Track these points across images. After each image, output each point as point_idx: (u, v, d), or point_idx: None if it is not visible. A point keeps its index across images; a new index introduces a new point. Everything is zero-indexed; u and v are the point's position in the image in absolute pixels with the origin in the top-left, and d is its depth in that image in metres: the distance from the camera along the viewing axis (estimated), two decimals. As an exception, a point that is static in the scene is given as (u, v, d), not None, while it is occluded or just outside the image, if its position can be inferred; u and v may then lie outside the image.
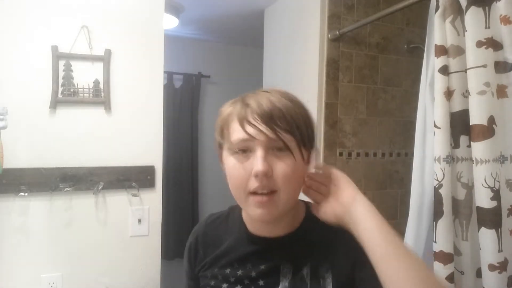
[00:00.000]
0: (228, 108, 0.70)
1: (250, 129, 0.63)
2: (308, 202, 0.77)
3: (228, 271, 0.75)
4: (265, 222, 0.72)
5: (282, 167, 0.64)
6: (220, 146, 0.72)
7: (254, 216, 0.68)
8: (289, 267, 0.71)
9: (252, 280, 0.72)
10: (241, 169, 0.65)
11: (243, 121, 0.64)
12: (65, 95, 1.43)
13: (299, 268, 0.71)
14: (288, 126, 0.64)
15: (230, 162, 0.67)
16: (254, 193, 0.65)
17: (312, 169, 0.72)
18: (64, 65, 1.42)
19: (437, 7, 1.16)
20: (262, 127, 0.63)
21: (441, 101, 1.14)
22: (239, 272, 0.74)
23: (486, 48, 1.06)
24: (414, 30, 1.98)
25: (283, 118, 0.64)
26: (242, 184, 0.65)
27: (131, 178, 1.51)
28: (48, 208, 1.42)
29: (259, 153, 0.63)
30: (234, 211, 0.81)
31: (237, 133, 0.65)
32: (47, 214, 1.42)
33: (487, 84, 1.05)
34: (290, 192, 0.66)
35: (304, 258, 0.71)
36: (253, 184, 0.64)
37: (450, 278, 1.14)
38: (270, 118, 0.63)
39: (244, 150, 0.65)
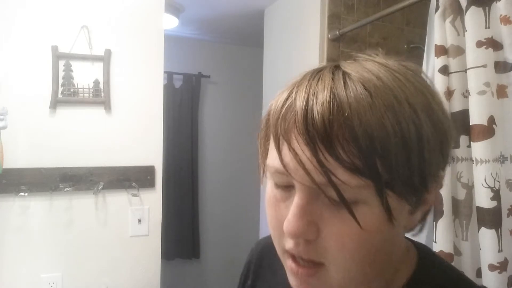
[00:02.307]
0: (273, 100, 0.41)
1: (287, 157, 0.37)
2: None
3: None
4: None
5: (337, 231, 0.37)
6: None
7: (291, 284, 0.43)
8: None
9: None
10: (276, 210, 0.41)
11: (279, 139, 0.38)
12: (65, 95, 1.43)
13: None
14: (360, 158, 0.34)
15: (267, 188, 0.43)
16: (291, 253, 0.40)
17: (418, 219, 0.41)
18: (64, 65, 1.42)
19: (437, 7, 1.16)
20: (305, 158, 0.35)
21: (441, 101, 1.14)
22: None
23: (486, 48, 1.06)
24: (414, 30, 1.98)
25: (352, 140, 0.34)
26: (276, 234, 0.42)
27: (131, 178, 1.51)
28: (48, 208, 1.42)
29: (296, 201, 0.38)
30: None
31: (272, 155, 0.40)
32: (47, 214, 1.42)
33: (487, 84, 1.05)
34: (352, 268, 0.38)
35: None
36: (289, 242, 0.40)
37: (450, 278, 1.13)
38: (323, 140, 0.34)
39: (286, 185, 0.40)
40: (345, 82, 0.36)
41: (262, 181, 0.44)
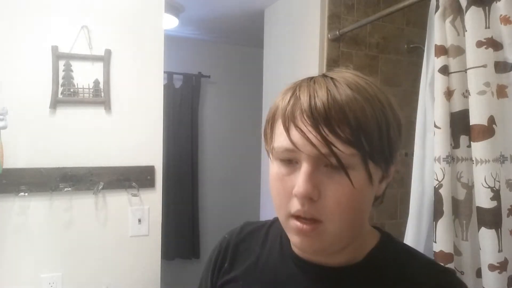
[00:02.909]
0: (278, 98, 0.54)
1: (295, 136, 0.49)
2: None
3: None
4: (307, 254, 0.58)
5: (334, 192, 0.49)
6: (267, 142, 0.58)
7: (294, 244, 0.56)
8: None
9: None
10: (283, 183, 0.52)
11: (287, 122, 0.50)
12: (65, 95, 1.43)
13: None
14: (351, 134, 0.47)
15: (273, 168, 0.54)
16: (296, 215, 0.51)
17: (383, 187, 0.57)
18: (64, 65, 1.42)
19: (437, 7, 1.16)
20: (311, 135, 0.47)
21: (441, 101, 1.14)
22: None
23: (486, 48, 1.06)
24: (414, 30, 1.98)
25: (345, 121, 0.47)
26: (282, 202, 0.52)
27: (131, 178, 1.51)
28: (48, 208, 1.42)
29: (303, 169, 0.49)
30: (278, 222, 0.62)
31: (280, 138, 0.51)
32: (47, 214, 1.42)
33: (487, 84, 1.05)
34: (343, 223, 0.51)
35: None
36: (295, 205, 0.50)
37: (450, 278, 1.13)
38: (324, 121, 0.47)
39: (290, 160, 0.51)
40: (334, 84, 0.50)
41: (271, 159, 0.55)
